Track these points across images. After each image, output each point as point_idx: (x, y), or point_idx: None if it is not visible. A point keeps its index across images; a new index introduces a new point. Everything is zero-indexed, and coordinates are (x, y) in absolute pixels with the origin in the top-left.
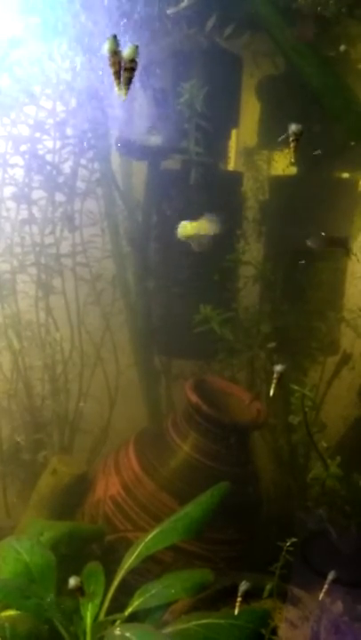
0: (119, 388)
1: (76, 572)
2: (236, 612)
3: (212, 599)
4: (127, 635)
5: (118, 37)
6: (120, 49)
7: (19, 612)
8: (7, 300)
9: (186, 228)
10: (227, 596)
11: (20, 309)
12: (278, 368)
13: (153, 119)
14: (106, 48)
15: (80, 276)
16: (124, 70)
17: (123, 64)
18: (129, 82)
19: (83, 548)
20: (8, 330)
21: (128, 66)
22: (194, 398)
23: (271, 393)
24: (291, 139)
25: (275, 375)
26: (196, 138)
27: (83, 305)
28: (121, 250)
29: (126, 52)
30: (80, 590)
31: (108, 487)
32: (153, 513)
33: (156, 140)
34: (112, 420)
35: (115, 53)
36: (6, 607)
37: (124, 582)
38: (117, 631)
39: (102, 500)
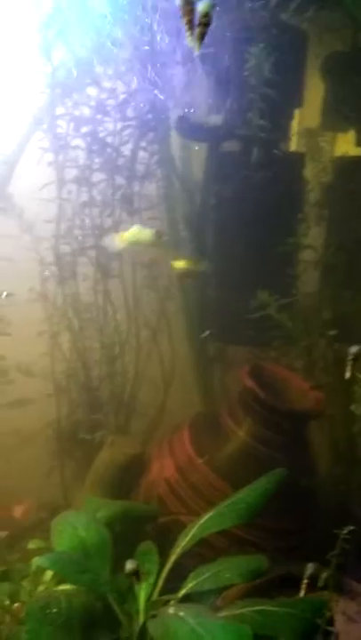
0: (175, 372)
1: (130, 552)
2: (301, 594)
3: (266, 588)
4: (181, 614)
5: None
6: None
7: (73, 587)
8: (68, 282)
9: (122, 236)
10: (281, 585)
11: (80, 291)
12: (354, 349)
13: (214, 99)
14: None
15: (137, 259)
16: (198, 25)
17: (197, 16)
18: (202, 36)
19: (136, 527)
20: (68, 310)
21: (202, 21)
22: (250, 384)
23: (347, 375)
24: None
25: (349, 357)
26: (261, 110)
27: (139, 288)
28: (178, 233)
29: (201, 6)
30: (136, 574)
31: (162, 469)
32: (206, 497)
33: (216, 119)
34: (167, 404)
35: (187, 2)
36: (61, 581)
37: (176, 565)
38: (171, 610)
39: (156, 481)
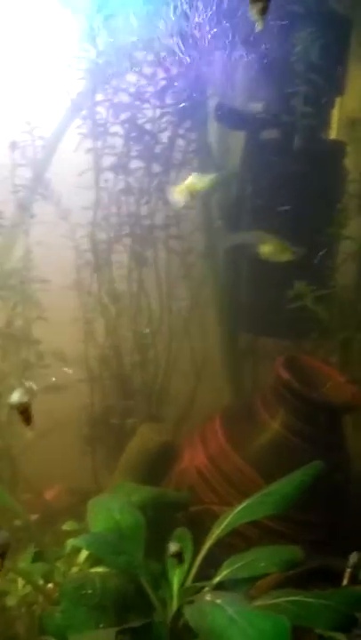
0: (206, 363)
1: (161, 539)
2: (345, 582)
3: (298, 580)
4: (218, 601)
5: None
6: None
7: (106, 570)
8: (102, 270)
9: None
10: (312, 578)
11: (114, 279)
12: None
13: (255, 85)
14: None
15: (171, 248)
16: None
17: None
18: (264, 12)
19: (168, 514)
20: (102, 298)
21: None
22: (285, 375)
23: None
24: None
25: None
26: (305, 96)
27: (173, 278)
28: (212, 223)
29: None
30: (179, 556)
31: (193, 458)
32: (238, 487)
33: (256, 106)
34: (198, 394)
35: None
36: (95, 563)
37: (208, 555)
38: (208, 597)
39: (188, 470)
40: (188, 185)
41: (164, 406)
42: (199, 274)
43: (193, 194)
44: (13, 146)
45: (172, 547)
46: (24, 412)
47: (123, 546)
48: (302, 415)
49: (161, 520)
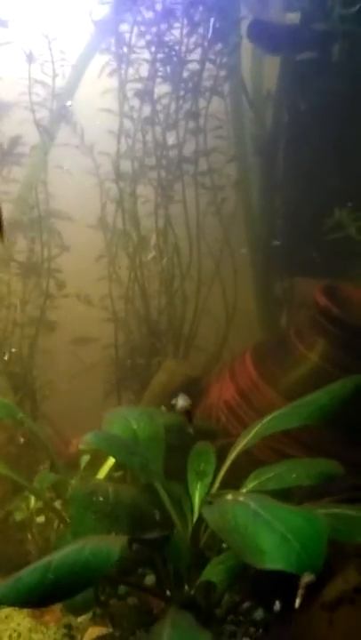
0: (237, 307)
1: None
2: None
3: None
4: (241, 499)
5: None
6: None
7: (122, 486)
8: (127, 205)
9: None
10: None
11: (140, 215)
12: None
13: None
14: None
15: (201, 183)
16: None
17: None
18: None
19: (193, 444)
20: (127, 235)
21: None
22: (323, 301)
23: None
24: None
25: None
26: None
27: (203, 214)
28: (245, 157)
29: None
30: (188, 414)
31: (221, 392)
32: None
33: (293, 17)
34: (228, 340)
35: None
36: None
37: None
38: (230, 496)
39: (215, 404)
40: None
41: (192, 352)
42: (231, 211)
43: None
44: (30, 58)
45: (181, 400)
46: None
47: (139, 449)
48: (342, 344)
49: (186, 449)
